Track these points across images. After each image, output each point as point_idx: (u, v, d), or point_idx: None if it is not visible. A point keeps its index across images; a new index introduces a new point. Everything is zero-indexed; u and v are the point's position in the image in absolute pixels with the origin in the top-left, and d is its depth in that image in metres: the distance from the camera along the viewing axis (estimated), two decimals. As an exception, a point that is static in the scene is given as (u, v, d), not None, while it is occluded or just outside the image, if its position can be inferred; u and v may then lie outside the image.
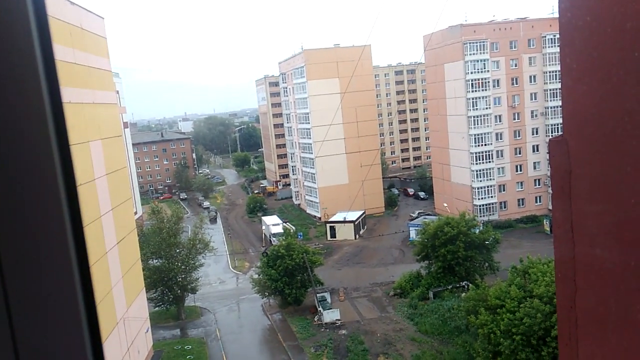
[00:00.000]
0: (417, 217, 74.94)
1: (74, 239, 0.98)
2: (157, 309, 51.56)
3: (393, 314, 48.05)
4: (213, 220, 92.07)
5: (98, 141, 37.54)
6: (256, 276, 52.42)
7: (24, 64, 0.94)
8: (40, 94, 0.95)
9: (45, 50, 0.96)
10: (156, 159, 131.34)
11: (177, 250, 51.70)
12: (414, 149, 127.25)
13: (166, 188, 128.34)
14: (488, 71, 72.54)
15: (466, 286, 46.65)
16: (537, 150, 75.43)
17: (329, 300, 49.80)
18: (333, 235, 74.22)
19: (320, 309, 47.89)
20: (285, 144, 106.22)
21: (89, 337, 1.00)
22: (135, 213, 62.38)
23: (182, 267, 51.48)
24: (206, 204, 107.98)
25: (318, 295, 49.42)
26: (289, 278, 48.94)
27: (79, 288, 0.99)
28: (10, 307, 0.94)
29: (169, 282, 50.16)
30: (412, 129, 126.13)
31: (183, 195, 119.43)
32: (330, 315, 46.96)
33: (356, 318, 47.87)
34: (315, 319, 47.93)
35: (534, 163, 75.80)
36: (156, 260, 51.24)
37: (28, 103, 0.94)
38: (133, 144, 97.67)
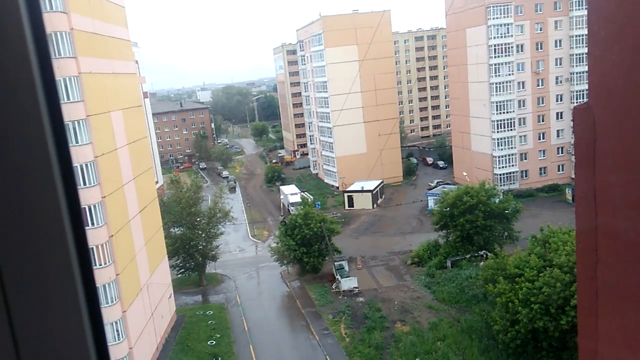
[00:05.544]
0: (435, 187, 74.52)
1: (73, 237, 0.96)
2: (179, 275, 52.84)
3: (410, 282, 48.43)
4: (232, 190, 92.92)
5: (119, 111, 37.90)
6: (275, 245, 53.09)
7: (17, 62, 0.90)
8: (35, 92, 0.91)
9: (40, 47, 0.93)
10: (176, 129, 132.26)
11: (198, 219, 52.51)
12: (434, 117, 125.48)
13: (186, 158, 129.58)
14: (512, 36, 70.50)
15: (484, 255, 46.62)
16: (561, 118, 73.77)
17: (346, 268, 50.34)
18: (351, 204, 74.43)
19: (338, 277, 48.47)
20: (303, 113, 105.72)
21: (91, 331, 0.99)
22: (157, 182, 63.32)
23: (203, 235, 52.38)
24: (225, 173, 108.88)
25: (336, 263, 49.96)
26: (306, 247, 49.52)
27: (80, 284, 0.97)
28: (8, 302, 0.92)
29: (190, 250, 51.17)
30: (431, 96, 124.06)
31: (202, 165, 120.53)
32: (347, 283, 47.54)
33: (373, 286, 48.39)
34: (333, 287, 48.61)
35: (557, 131, 74.25)
36: (177, 229, 52.20)
37: (21, 102, 0.90)
38: (153, 114, 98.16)
